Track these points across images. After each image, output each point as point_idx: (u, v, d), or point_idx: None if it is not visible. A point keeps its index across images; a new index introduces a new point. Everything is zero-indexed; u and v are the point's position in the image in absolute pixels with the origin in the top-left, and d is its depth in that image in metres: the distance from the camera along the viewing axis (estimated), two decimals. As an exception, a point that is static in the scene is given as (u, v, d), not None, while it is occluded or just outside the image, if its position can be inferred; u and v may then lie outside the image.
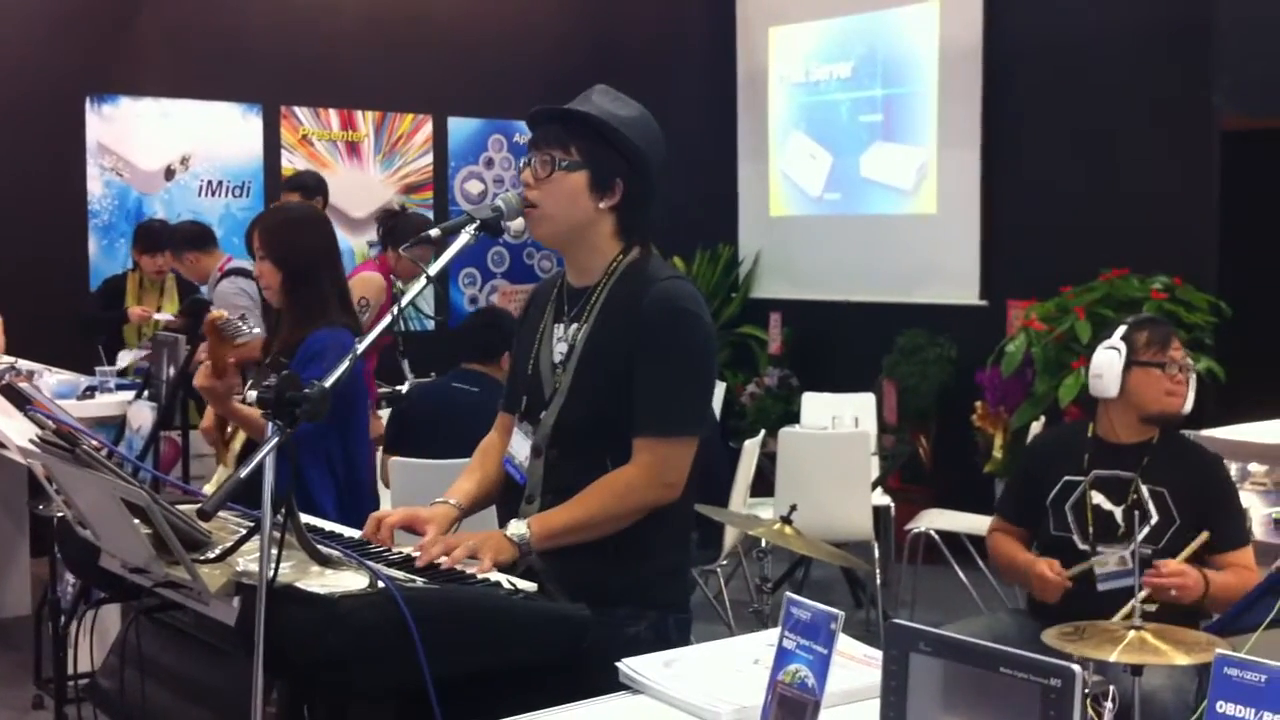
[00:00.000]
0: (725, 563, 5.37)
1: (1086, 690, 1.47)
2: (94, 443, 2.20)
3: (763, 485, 5.72)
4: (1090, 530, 3.36)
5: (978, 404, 6.87)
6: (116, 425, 5.12)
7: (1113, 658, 2.69)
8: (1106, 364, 3.40)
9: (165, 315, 6.45)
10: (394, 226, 5.89)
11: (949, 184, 7.82)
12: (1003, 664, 1.44)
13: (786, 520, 3.78)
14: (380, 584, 1.96)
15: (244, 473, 1.92)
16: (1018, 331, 6.68)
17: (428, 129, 8.57)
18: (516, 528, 2.33)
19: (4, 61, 7.03)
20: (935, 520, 6.04)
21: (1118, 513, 3.35)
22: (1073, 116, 7.19)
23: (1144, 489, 3.30)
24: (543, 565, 2.34)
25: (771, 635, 1.96)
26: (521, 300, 9.19)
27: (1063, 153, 7.25)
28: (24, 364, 5.41)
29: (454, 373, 4.74)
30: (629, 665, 2.00)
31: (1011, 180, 7.51)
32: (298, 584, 1.98)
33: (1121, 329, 3.46)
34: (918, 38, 7.97)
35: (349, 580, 2.03)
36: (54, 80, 7.19)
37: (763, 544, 4.95)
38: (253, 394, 1.98)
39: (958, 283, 7.72)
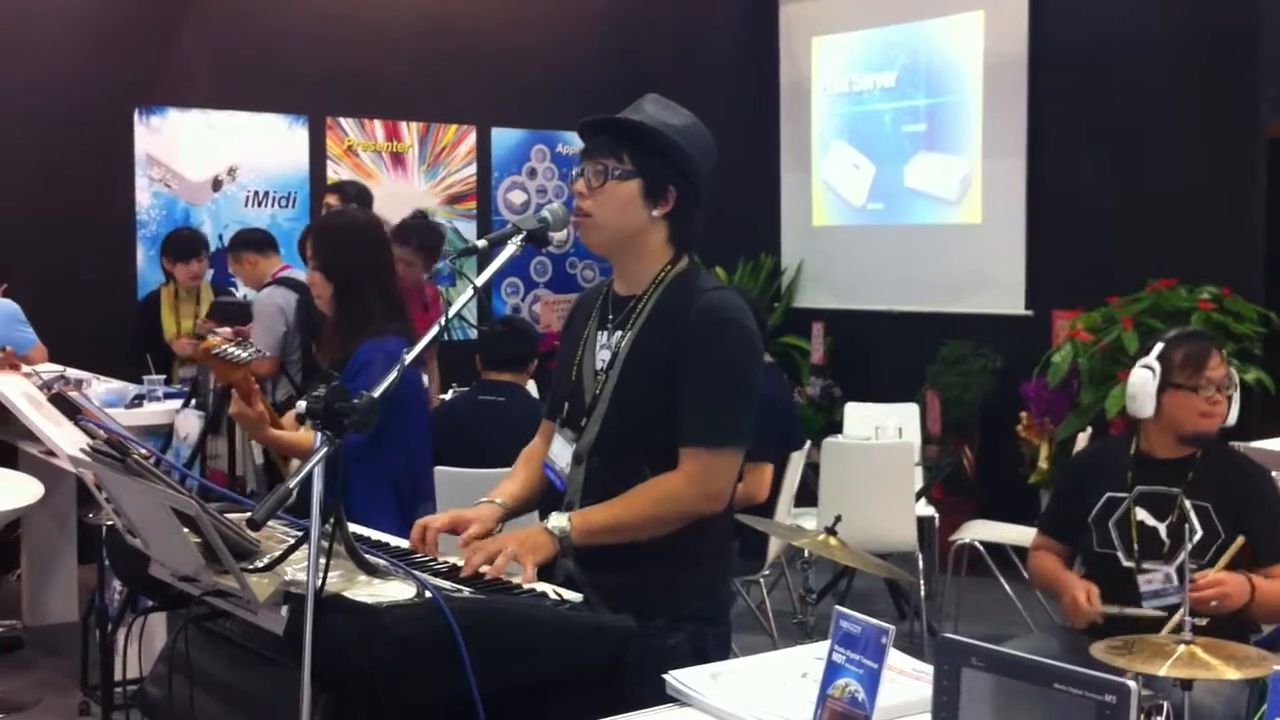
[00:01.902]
0: (768, 573, 5.35)
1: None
2: (143, 451, 2.22)
3: (805, 495, 5.70)
4: (1135, 547, 3.32)
5: (1023, 415, 6.82)
6: (164, 434, 5.16)
7: (1163, 672, 2.66)
8: (1141, 385, 3.35)
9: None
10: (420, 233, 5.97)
11: (994, 193, 7.77)
12: (1057, 680, 1.42)
13: (831, 531, 3.76)
14: (427, 594, 1.96)
15: (293, 482, 1.93)
16: (1064, 342, 6.63)
17: (471, 140, 8.61)
18: (557, 521, 2.33)
19: (55, 74, 7.12)
20: (980, 532, 5.99)
21: (1162, 529, 3.32)
22: (1118, 125, 7.13)
23: (1188, 504, 3.25)
24: (581, 575, 2.34)
25: (819, 648, 1.95)
26: (563, 309, 9.22)
27: (1109, 162, 7.19)
28: (73, 373, 5.47)
29: (479, 384, 4.74)
30: (676, 677, 1.99)
31: (1057, 189, 7.46)
32: (345, 593, 1.99)
33: (1159, 346, 3.39)
34: (962, 47, 7.93)
35: (396, 590, 2.03)
36: (103, 93, 7.28)
37: (806, 555, 4.93)
38: (302, 404, 1.99)
39: (1002, 293, 7.68)
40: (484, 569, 2.22)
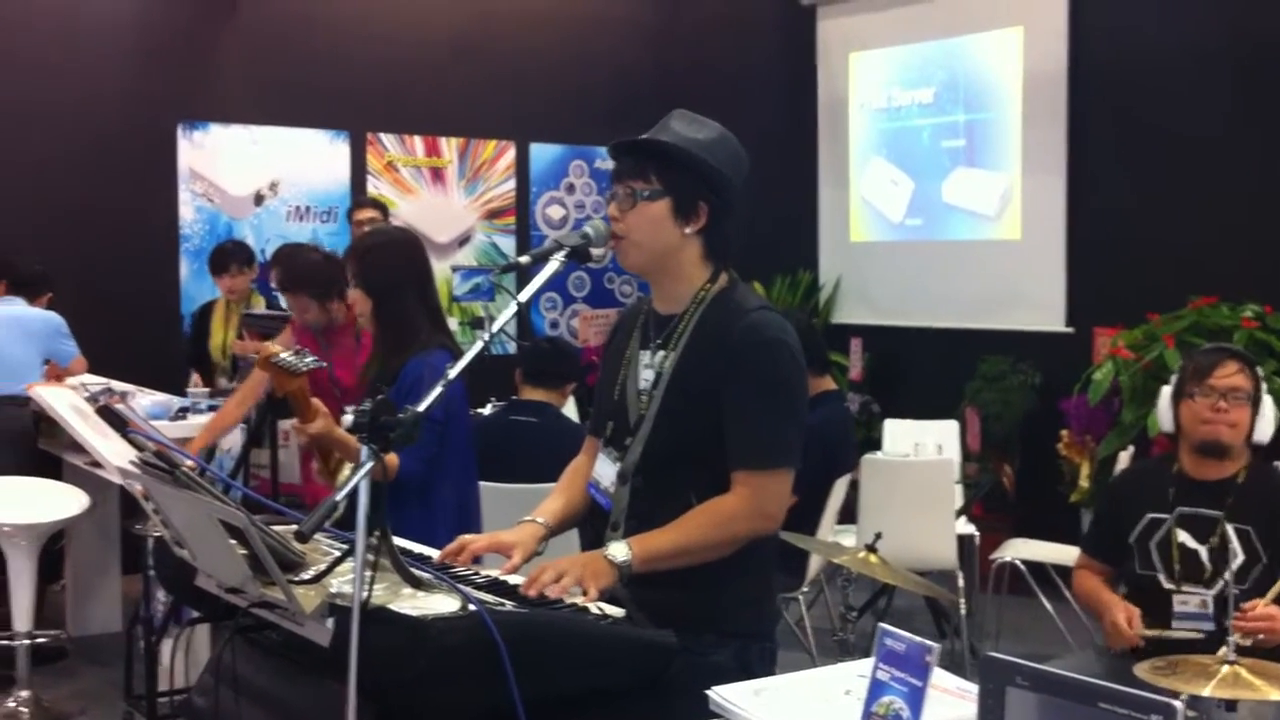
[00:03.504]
0: (807, 590, 5.34)
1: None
2: (189, 463, 2.24)
3: (844, 512, 5.68)
4: (1176, 569, 3.30)
5: (1063, 432, 6.77)
6: (207, 446, 5.20)
7: (1207, 692, 2.65)
8: (1162, 399, 3.45)
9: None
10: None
11: (1033, 209, 7.74)
12: (1102, 699, 1.42)
13: (871, 548, 3.76)
14: (471, 607, 1.97)
15: (339, 496, 1.95)
16: (1105, 359, 6.59)
17: (510, 155, 8.66)
18: (617, 550, 2.32)
19: (100, 90, 7.22)
20: (1020, 550, 5.96)
21: (1203, 551, 3.29)
22: (1159, 140, 7.09)
23: (1229, 528, 3.23)
24: (626, 591, 2.35)
25: (862, 665, 1.95)
26: (600, 324, 9.22)
27: (1149, 177, 7.15)
28: (118, 385, 5.53)
29: (513, 403, 4.75)
30: (719, 694, 1.99)
31: (1098, 205, 7.42)
32: (390, 606, 2.00)
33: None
34: (1001, 63, 7.91)
35: (440, 603, 2.04)
36: (147, 108, 7.37)
37: (845, 572, 4.92)
38: (349, 417, 2.01)
39: (1043, 309, 7.64)
40: (548, 591, 2.22)
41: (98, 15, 7.30)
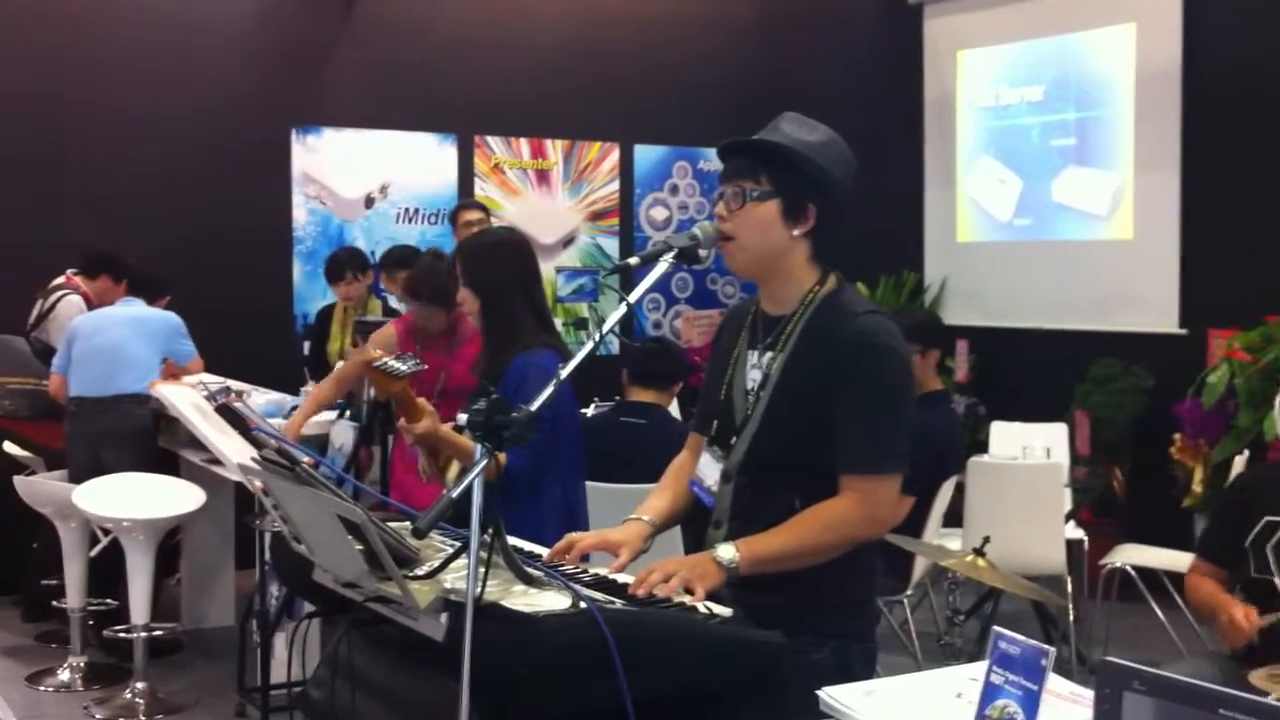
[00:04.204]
0: (911, 593, 5.30)
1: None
2: (308, 460, 2.29)
3: (950, 515, 5.62)
4: (1293, 573, 3.23)
5: (1176, 436, 6.64)
6: (318, 443, 5.30)
7: (1327, 702, 2.58)
8: (1277, 402, 3.33)
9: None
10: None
11: (1146, 208, 7.60)
12: (1222, 705, 1.39)
13: (979, 552, 3.72)
14: (582, 605, 1.99)
15: (454, 493, 1.99)
16: (1219, 362, 6.44)
17: (615, 157, 8.70)
18: (725, 552, 2.33)
19: (217, 97, 7.40)
20: (1131, 555, 5.85)
21: None
22: (1275, 137, 6.92)
23: None
24: (727, 591, 2.35)
25: (973, 669, 1.94)
26: (704, 326, 9.20)
27: (1266, 175, 6.98)
28: (235, 384, 5.66)
29: (621, 404, 4.76)
30: (830, 694, 1.99)
31: (1212, 204, 7.26)
32: (502, 602, 2.03)
33: None
34: (1113, 59, 7.77)
35: (551, 600, 2.07)
36: (262, 114, 7.53)
37: (951, 575, 4.87)
38: (462, 417, 2.05)
39: (1155, 310, 7.49)
40: (656, 591, 2.24)
41: (217, 28, 7.48)
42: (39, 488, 5.56)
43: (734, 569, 2.32)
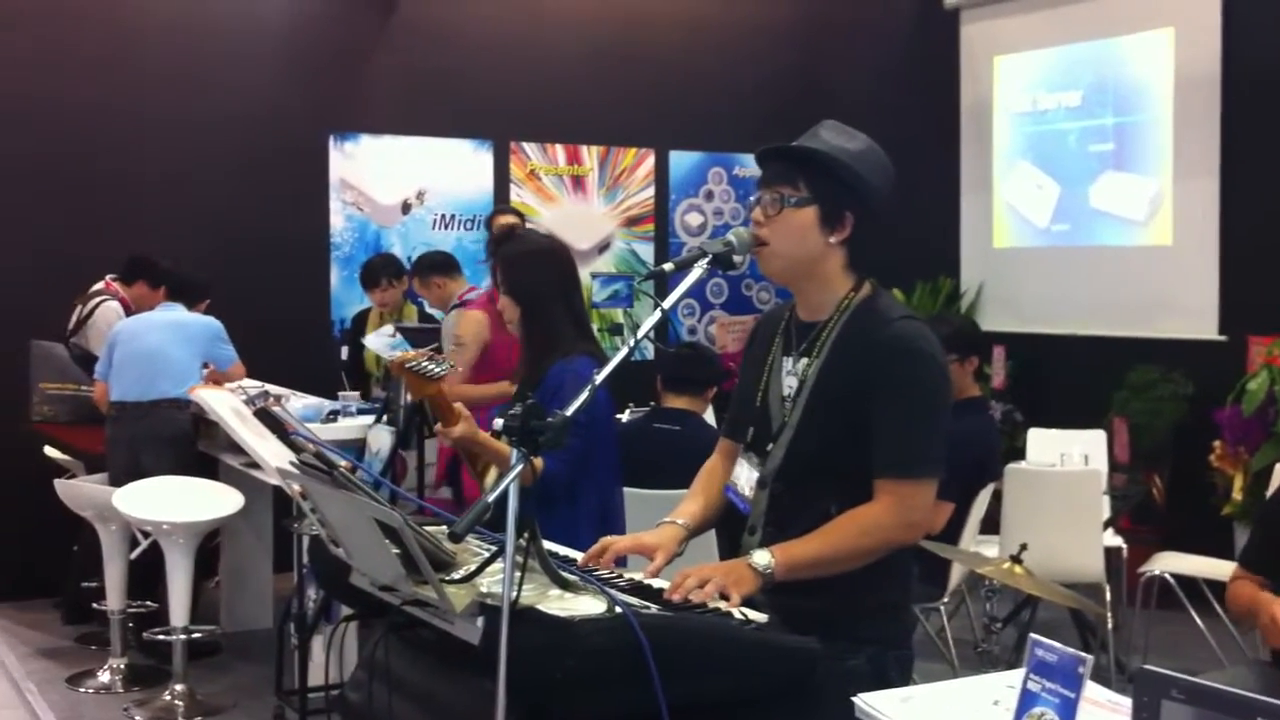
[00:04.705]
0: (948, 600, 5.27)
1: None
2: (345, 464, 2.31)
3: (987, 522, 5.59)
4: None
5: (1215, 444, 6.58)
6: (356, 448, 5.33)
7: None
8: None
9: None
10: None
11: (1185, 214, 7.54)
12: (1261, 714, 1.39)
13: (1016, 559, 3.70)
14: (617, 609, 2.00)
15: (491, 497, 2.00)
16: (1259, 368, 6.39)
17: (650, 163, 8.71)
18: (761, 558, 2.33)
19: (256, 104, 7.45)
20: (1170, 564, 5.80)
21: None
22: (1320, 143, 6.86)
23: None
24: (763, 596, 2.35)
25: (1010, 676, 1.93)
26: (738, 331, 9.16)
27: (1309, 181, 6.92)
28: (272, 389, 5.69)
29: (655, 410, 4.76)
30: (866, 700, 1.99)
31: (1252, 210, 7.20)
32: (538, 606, 2.04)
33: None
34: (1151, 64, 7.72)
35: (587, 605, 2.08)
36: (300, 120, 7.59)
37: (988, 583, 4.85)
38: (499, 421, 2.06)
39: (1194, 317, 7.43)
40: (692, 596, 2.24)
41: (255, 35, 7.53)
42: (79, 491, 5.61)
43: (769, 575, 2.32)
